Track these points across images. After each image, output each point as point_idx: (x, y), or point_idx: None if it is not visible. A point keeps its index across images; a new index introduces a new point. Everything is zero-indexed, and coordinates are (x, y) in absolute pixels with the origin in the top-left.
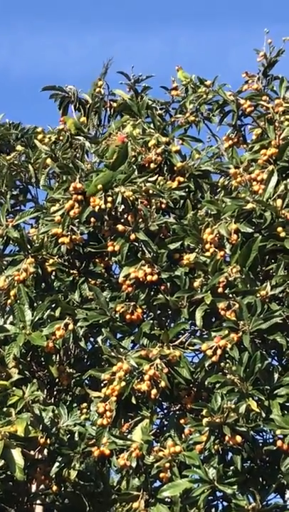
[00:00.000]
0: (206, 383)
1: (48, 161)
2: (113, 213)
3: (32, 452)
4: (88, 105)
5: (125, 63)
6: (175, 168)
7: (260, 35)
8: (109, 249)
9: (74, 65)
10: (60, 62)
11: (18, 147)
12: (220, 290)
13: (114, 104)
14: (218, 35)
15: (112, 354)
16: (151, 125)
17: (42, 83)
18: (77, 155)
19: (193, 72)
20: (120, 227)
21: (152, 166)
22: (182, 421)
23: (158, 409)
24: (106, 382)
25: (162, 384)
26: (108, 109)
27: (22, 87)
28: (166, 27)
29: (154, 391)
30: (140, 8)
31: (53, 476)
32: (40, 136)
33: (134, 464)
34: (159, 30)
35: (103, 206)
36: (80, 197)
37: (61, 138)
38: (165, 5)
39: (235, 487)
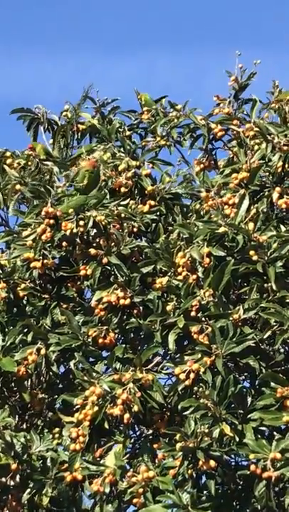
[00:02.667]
0: (179, 407)
1: (17, 186)
2: (85, 237)
3: (3, 479)
4: (55, 128)
5: (103, 87)
6: (146, 191)
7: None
8: (82, 273)
9: (51, 89)
10: (36, 86)
11: None
12: (193, 314)
13: (82, 127)
14: (194, 59)
15: (85, 378)
16: (121, 149)
17: (18, 106)
18: (46, 179)
19: (171, 95)
20: (92, 250)
21: (123, 190)
22: (155, 445)
23: (131, 434)
24: (79, 406)
25: (135, 408)
26: (75, 132)
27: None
28: (144, 51)
29: (126, 415)
30: (117, 32)
31: (25, 502)
32: (9, 161)
33: (107, 490)
34: (136, 54)
35: (75, 230)
36: (52, 221)
37: (29, 163)
38: (142, 29)
39: None
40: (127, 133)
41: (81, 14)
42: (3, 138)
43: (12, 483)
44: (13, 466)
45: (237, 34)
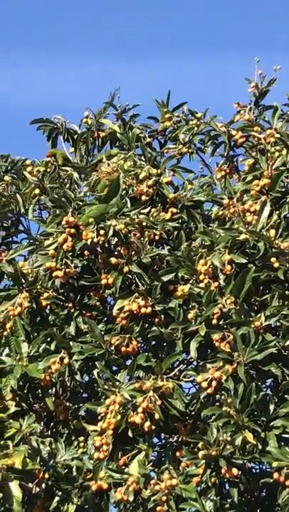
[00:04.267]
0: (202, 415)
1: (37, 191)
2: (106, 246)
3: (30, 485)
4: (76, 135)
5: (127, 94)
6: (167, 199)
7: (261, 65)
8: (103, 282)
9: (74, 96)
10: (61, 93)
11: (6, 177)
12: (214, 321)
13: (102, 134)
14: (220, 65)
15: (106, 387)
16: (142, 157)
17: (42, 114)
18: (66, 185)
19: (195, 102)
20: (113, 259)
21: (144, 198)
22: (178, 453)
23: (154, 442)
24: (102, 415)
25: (156, 416)
26: (96, 138)
27: (22, 118)
28: (168, 57)
29: (147, 423)
30: (141, 38)
31: (52, 510)
32: (29, 169)
33: (131, 498)
34: (161, 60)
35: (96, 239)
36: (72, 230)
37: (48, 170)
38: (167, 35)
39: None
40: (148, 140)
41: (104, 21)
42: (25, 146)
43: (37, 489)
44: (40, 474)
45: (263, 40)
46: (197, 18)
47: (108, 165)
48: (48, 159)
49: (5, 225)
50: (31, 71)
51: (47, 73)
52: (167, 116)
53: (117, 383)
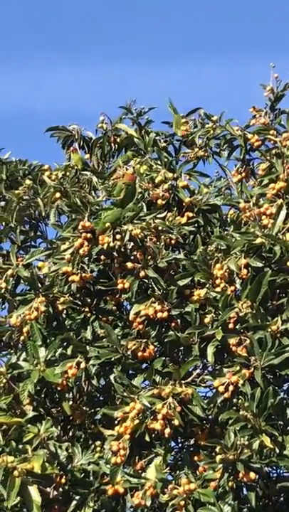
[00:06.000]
0: (219, 420)
1: (57, 195)
2: (122, 250)
3: (48, 489)
4: (92, 140)
5: (146, 97)
6: (183, 203)
7: (283, 68)
8: (119, 286)
9: (95, 99)
10: (81, 97)
11: (27, 181)
12: (231, 326)
13: (118, 139)
14: (242, 66)
15: (125, 394)
16: (158, 161)
17: (63, 117)
18: (85, 190)
19: (218, 103)
20: (129, 264)
21: (160, 202)
22: (196, 458)
23: (172, 446)
24: (119, 420)
25: (176, 422)
26: (112, 143)
27: (43, 122)
28: (189, 60)
29: (167, 430)
30: (161, 42)
31: None
32: (47, 173)
33: (148, 503)
34: (182, 63)
35: (112, 244)
36: (89, 235)
37: (68, 174)
38: (188, 38)
39: None
40: (163, 144)
41: (124, 25)
42: (45, 150)
43: (55, 493)
44: (57, 478)
45: (286, 41)
46: (218, 20)
47: (126, 169)
48: (67, 163)
49: (23, 229)
50: (52, 75)
51: (68, 77)
52: (183, 121)
53: (135, 389)
